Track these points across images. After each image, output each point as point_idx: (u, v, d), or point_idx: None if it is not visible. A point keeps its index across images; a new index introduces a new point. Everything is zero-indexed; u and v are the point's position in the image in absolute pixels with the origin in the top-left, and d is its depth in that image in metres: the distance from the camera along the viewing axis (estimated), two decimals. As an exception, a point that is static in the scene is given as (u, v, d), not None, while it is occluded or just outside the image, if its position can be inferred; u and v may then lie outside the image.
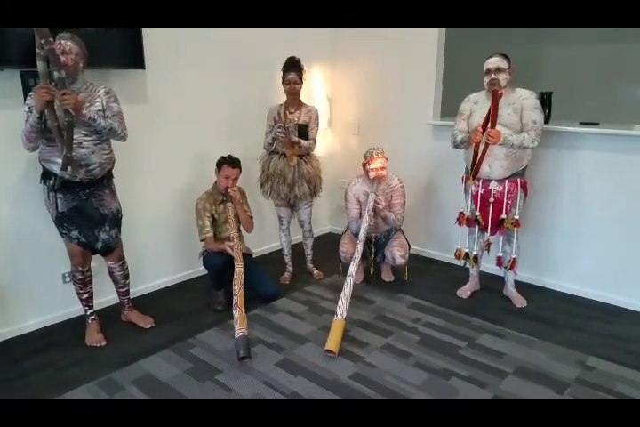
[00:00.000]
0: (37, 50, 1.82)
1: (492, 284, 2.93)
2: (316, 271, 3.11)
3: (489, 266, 2.93)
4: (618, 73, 4.04)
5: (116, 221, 2.30)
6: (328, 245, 3.48)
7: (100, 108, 2.08)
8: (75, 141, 1.98)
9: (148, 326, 2.47)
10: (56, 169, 2.05)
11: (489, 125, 2.37)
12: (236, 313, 2.20)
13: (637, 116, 2.66)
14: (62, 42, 1.95)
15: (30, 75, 2.20)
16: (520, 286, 2.86)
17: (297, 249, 3.19)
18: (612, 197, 2.65)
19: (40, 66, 1.86)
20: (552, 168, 2.82)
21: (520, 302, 2.73)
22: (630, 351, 2.28)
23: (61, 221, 2.16)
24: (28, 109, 1.98)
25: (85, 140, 2.05)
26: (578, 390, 1.98)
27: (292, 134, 2.69)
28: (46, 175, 2.11)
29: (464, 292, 2.84)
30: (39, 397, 1.91)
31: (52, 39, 1.79)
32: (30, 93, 2.01)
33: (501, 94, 2.37)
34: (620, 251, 2.67)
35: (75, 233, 2.18)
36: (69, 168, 1.99)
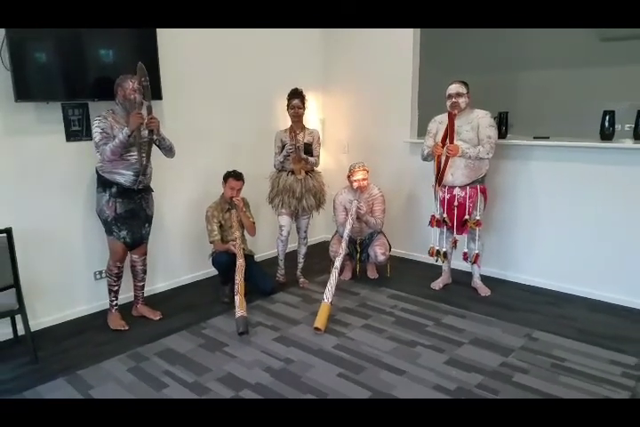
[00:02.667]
0: (137, 85, 2.60)
1: (462, 278, 3.47)
2: (302, 280, 3.50)
3: (460, 263, 3.46)
4: (577, 94, 4.73)
5: (151, 219, 2.93)
6: (322, 250, 4.04)
7: None
8: (135, 157, 2.65)
9: (157, 318, 3.00)
10: (119, 179, 2.67)
11: (447, 141, 2.96)
12: (237, 298, 2.79)
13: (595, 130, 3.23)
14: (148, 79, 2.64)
15: (69, 106, 2.85)
16: (486, 279, 3.40)
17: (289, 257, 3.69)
18: (561, 199, 3.21)
19: (138, 97, 2.61)
20: (511, 176, 3.39)
21: (484, 291, 3.26)
22: (573, 327, 2.79)
23: (117, 222, 2.74)
24: (101, 131, 2.58)
25: (142, 156, 2.71)
26: (521, 354, 2.50)
27: (300, 152, 3.25)
28: (107, 184, 2.70)
29: (437, 284, 3.38)
30: (83, 366, 2.46)
31: (147, 77, 2.55)
32: (98, 119, 2.61)
33: (455, 115, 2.96)
34: (570, 246, 3.22)
35: (123, 233, 2.77)
36: (140, 176, 2.68)
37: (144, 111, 2.66)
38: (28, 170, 2.76)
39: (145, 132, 2.67)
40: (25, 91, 2.61)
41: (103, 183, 2.73)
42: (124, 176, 2.68)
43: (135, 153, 2.67)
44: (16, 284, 2.56)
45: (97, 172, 2.74)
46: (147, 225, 2.90)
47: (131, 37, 2.98)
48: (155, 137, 2.73)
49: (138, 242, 2.88)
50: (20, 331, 2.69)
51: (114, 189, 2.71)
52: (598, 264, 3.12)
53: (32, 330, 2.58)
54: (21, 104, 2.65)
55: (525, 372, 2.34)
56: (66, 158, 2.87)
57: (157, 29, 3.05)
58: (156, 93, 3.12)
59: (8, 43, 2.50)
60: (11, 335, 2.75)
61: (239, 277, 2.91)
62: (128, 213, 2.76)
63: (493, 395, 2.17)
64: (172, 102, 3.28)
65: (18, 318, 2.65)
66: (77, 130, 2.88)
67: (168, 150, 2.86)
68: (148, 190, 2.86)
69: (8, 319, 2.70)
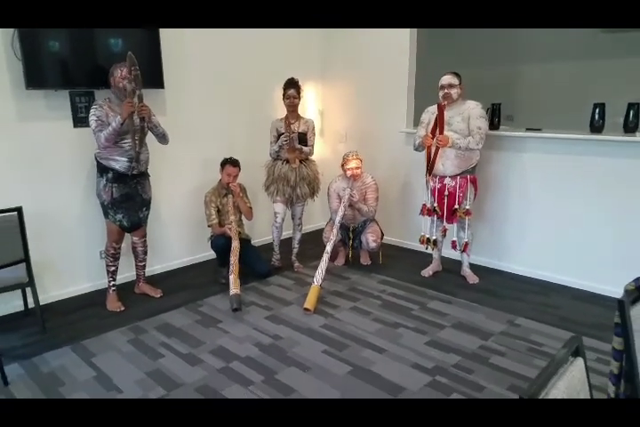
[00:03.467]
0: (126, 73, 2.71)
1: (452, 266, 3.60)
2: (296, 264, 3.68)
3: (451, 252, 3.59)
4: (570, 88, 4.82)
5: (149, 203, 3.10)
6: (318, 237, 4.17)
7: None
8: (129, 144, 2.80)
9: (158, 296, 3.20)
10: (115, 165, 2.83)
11: (437, 131, 3.08)
12: (231, 277, 2.99)
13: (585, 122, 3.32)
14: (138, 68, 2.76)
15: (76, 94, 3.04)
16: (477, 268, 3.53)
17: (285, 243, 3.87)
18: (551, 191, 3.32)
19: (128, 86, 2.73)
20: (503, 167, 3.50)
21: (472, 279, 3.39)
22: (555, 315, 2.92)
23: (113, 206, 2.92)
24: (96, 118, 2.73)
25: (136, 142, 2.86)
26: (500, 338, 2.64)
27: (294, 142, 3.40)
28: (104, 170, 2.86)
29: (426, 271, 3.52)
30: (87, 337, 2.67)
31: (137, 66, 2.66)
32: (94, 107, 2.76)
33: (444, 106, 3.07)
34: (558, 237, 3.33)
35: (119, 216, 2.95)
36: (133, 162, 2.83)
37: (135, 99, 2.78)
38: (37, 154, 2.96)
39: (137, 120, 2.82)
40: (35, 79, 2.79)
41: (101, 169, 2.89)
42: (119, 162, 2.84)
43: (129, 140, 2.82)
44: (26, 259, 2.77)
45: (95, 158, 2.91)
46: (144, 209, 3.06)
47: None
48: (147, 124, 2.87)
49: (136, 225, 3.05)
50: (31, 304, 2.92)
51: (110, 175, 2.86)
52: (585, 255, 3.23)
53: (41, 303, 2.79)
54: (32, 92, 2.84)
55: (502, 355, 2.48)
56: (72, 143, 3.07)
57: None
58: (157, 82, 3.29)
59: (19, 33, 2.68)
60: (22, 308, 2.98)
61: (234, 259, 3.09)
62: (123, 198, 2.92)
63: (468, 374, 2.31)
64: (173, 91, 3.46)
65: (28, 292, 2.88)
66: (84, 116, 3.06)
67: (161, 137, 3.01)
68: (144, 176, 3.02)
69: (20, 293, 2.93)
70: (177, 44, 3.42)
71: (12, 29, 2.70)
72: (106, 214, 2.97)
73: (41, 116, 2.94)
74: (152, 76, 3.24)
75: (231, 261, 3.09)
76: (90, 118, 2.78)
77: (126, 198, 2.94)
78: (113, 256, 3.06)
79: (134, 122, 2.80)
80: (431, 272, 3.52)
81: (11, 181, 2.88)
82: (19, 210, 2.73)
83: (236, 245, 3.18)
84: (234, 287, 2.94)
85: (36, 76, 2.80)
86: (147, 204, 3.08)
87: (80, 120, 3.08)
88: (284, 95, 3.45)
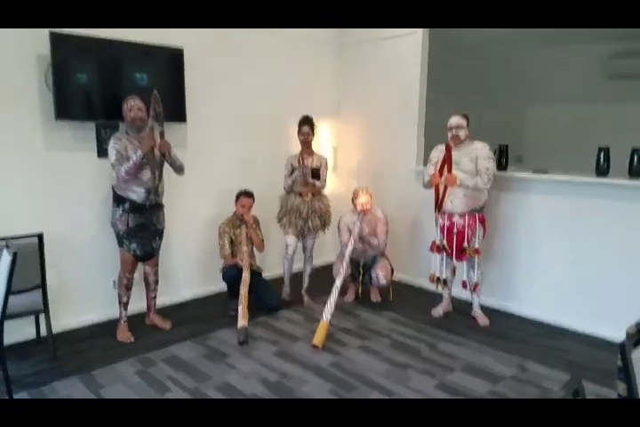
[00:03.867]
0: (151, 111, 2.84)
1: (462, 307, 3.60)
2: (306, 298, 3.70)
3: (462, 292, 3.59)
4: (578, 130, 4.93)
5: (162, 233, 3.18)
6: (329, 271, 4.18)
7: None
8: (147, 175, 2.91)
9: (168, 327, 3.24)
10: (132, 196, 2.93)
11: (445, 170, 3.14)
12: (240, 309, 3.03)
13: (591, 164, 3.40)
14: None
15: (102, 125, 3.17)
16: (487, 309, 3.52)
17: (295, 276, 3.90)
18: (559, 232, 3.34)
19: (150, 121, 2.86)
20: (511, 208, 3.54)
21: (483, 321, 3.38)
22: (564, 359, 2.89)
23: (128, 235, 3.00)
24: (116, 152, 2.83)
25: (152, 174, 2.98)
26: (510, 383, 2.62)
27: (308, 176, 3.49)
28: (121, 200, 2.95)
29: (437, 311, 3.52)
30: (96, 367, 2.70)
31: (160, 104, 2.80)
32: (113, 140, 2.87)
33: (451, 147, 3.15)
34: (567, 279, 3.32)
35: (133, 245, 3.03)
36: (151, 193, 2.94)
37: (157, 135, 2.90)
38: (60, 182, 3.08)
39: (157, 154, 2.93)
40: (64, 111, 2.94)
41: (117, 199, 2.98)
42: (137, 193, 2.93)
43: (148, 172, 2.92)
44: (43, 285, 2.84)
45: (112, 188, 3.00)
46: (157, 239, 3.14)
47: (164, 63, 3.32)
48: (166, 159, 2.99)
49: (149, 254, 3.12)
50: (43, 332, 2.96)
51: (127, 205, 2.95)
52: (593, 299, 3.21)
53: (53, 331, 2.84)
54: (60, 122, 2.98)
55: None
56: (94, 173, 3.19)
57: (185, 57, 3.37)
58: (180, 116, 3.44)
59: (53, 66, 2.83)
60: (34, 335, 3.02)
61: (244, 290, 3.14)
62: (139, 227, 3.00)
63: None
64: (194, 124, 3.59)
65: (41, 319, 2.93)
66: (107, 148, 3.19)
67: (179, 170, 3.12)
68: (159, 206, 3.10)
69: (33, 321, 2.98)
70: (200, 80, 3.58)
71: (46, 62, 2.85)
72: (120, 244, 3.04)
73: (67, 147, 3.08)
74: (175, 110, 3.39)
75: (241, 293, 3.14)
76: (109, 152, 2.88)
77: (141, 228, 3.02)
78: (126, 286, 3.11)
79: (154, 156, 2.91)
80: (442, 312, 3.52)
81: (33, 207, 3.00)
82: (39, 236, 2.83)
83: (246, 275, 3.23)
84: (242, 320, 2.97)
85: (65, 107, 2.95)
86: (160, 234, 3.16)
87: (104, 151, 3.18)
88: (298, 132, 3.57)
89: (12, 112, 2.86)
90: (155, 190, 2.97)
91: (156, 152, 2.93)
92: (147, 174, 2.93)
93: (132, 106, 2.89)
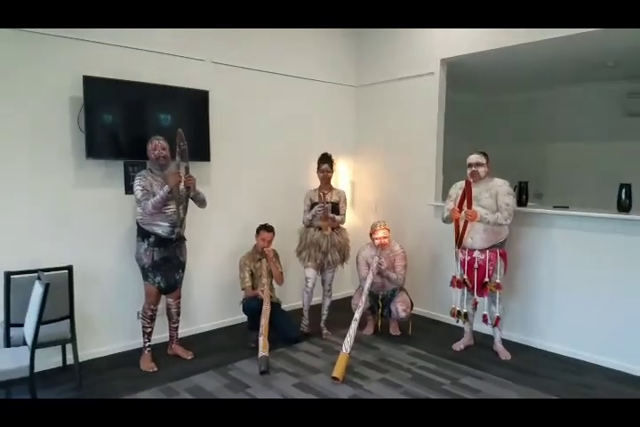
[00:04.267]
0: (177, 148, 3.00)
1: (484, 341, 3.57)
2: (325, 331, 3.75)
3: (483, 326, 3.57)
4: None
5: (185, 266, 3.28)
6: (347, 304, 4.22)
7: None
8: (171, 210, 3.05)
9: (189, 358, 3.29)
10: (157, 230, 3.05)
11: (465, 206, 3.22)
12: (260, 339, 3.09)
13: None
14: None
15: (129, 164, 3.35)
16: (509, 344, 3.49)
17: (314, 309, 3.94)
18: (581, 267, 3.35)
19: (177, 158, 3.02)
20: (532, 243, 3.58)
21: (505, 355, 3.35)
22: (589, 395, 2.84)
23: (153, 268, 3.10)
24: (141, 188, 2.98)
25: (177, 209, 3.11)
26: (533, 418, 2.57)
27: (328, 211, 3.60)
28: (146, 234, 3.06)
29: (458, 345, 3.50)
30: (120, 395, 2.75)
31: (185, 142, 2.97)
32: (139, 178, 3.03)
33: (471, 183, 3.24)
34: (591, 314, 3.31)
35: (158, 278, 3.12)
36: (177, 227, 3.07)
37: (182, 170, 3.04)
38: (89, 217, 3.25)
39: (183, 189, 3.06)
40: (94, 150, 3.12)
41: (142, 233, 3.08)
42: (162, 227, 3.05)
43: (172, 206, 3.05)
44: (71, 316, 2.95)
45: (137, 223, 3.11)
46: (180, 271, 3.24)
47: (190, 104, 3.53)
48: (191, 193, 3.13)
49: (172, 287, 3.21)
50: (69, 360, 3.05)
51: (152, 239, 3.06)
52: (618, 334, 3.18)
53: (80, 360, 2.92)
54: (90, 161, 3.18)
55: (536, 436, 2.42)
56: (121, 209, 3.36)
57: (210, 98, 3.59)
58: (205, 156, 3.63)
59: (85, 108, 3.05)
60: (60, 364, 3.11)
61: (264, 321, 3.20)
62: (163, 261, 3.11)
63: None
64: (217, 163, 3.78)
65: (68, 348, 3.02)
66: (134, 184, 3.36)
67: (202, 202, 3.26)
68: (181, 240, 3.23)
69: (59, 350, 3.07)
70: (223, 120, 3.80)
71: (78, 104, 3.06)
72: (145, 277, 3.13)
73: (96, 183, 3.25)
74: (200, 150, 3.58)
75: (261, 323, 3.20)
76: (135, 188, 3.01)
77: (166, 261, 3.13)
78: (150, 318, 3.19)
79: (180, 191, 3.05)
80: (463, 346, 3.50)
81: (62, 241, 3.14)
82: (69, 268, 2.96)
83: (267, 307, 3.30)
84: (263, 350, 3.01)
85: (95, 147, 3.13)
86: (182, 266, 3.26)
87: (131, 188, 3.31)
88: (318, 169, 3.70)
89: (46, 150, 3.05)
90: (180, 224, 3.11)
91: (181, 187, 3.06)
92: (171, 209, 3.06)
93: (157, 145, 3.05)
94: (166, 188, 2.95)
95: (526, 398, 2.78)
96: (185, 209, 3.13)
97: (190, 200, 3.21)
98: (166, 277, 3.15)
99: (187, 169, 3.07)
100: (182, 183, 3.05)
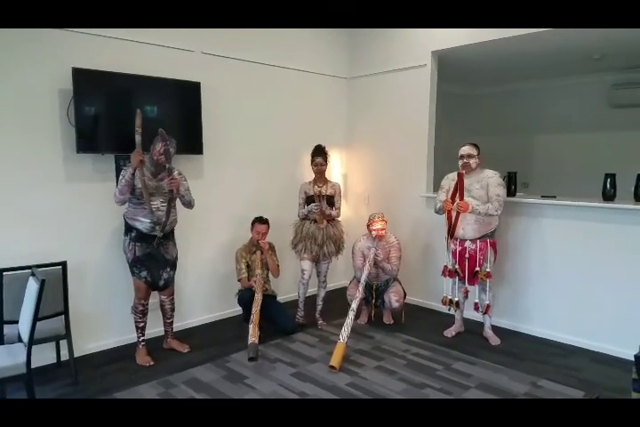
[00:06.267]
0: (162, 147, 2.95)
1: (474, 327, 3.70)
2: (320, 321, 3.83)
3: (473, 313, 3.69)
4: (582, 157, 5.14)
5: (174, 264, 3.27)
6: (341, 295, 4.33)
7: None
8: (155, 206, 3.02)
9: (186, 351, 3.33)
10: (138, 225, 3.03)
11: (457, 197, 3.31)
12: (250, 326, 3.16)
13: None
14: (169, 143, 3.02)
15: (121, 157, 3.34)
16: (498, 330, 3.62)
17: (309, 300, 4.02)
18: (569, 255, 3.48)
19: (162, 159, 2.96)
20: (522, 232, 3.69)
21: (494, 340, 3.48)
22: (576, 377, 2.99)
23: (136, 264, 3.10)
24: (121, 177, 2.94)
25: (162, 205, 3.09)
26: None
27: (327, 210, 3.63)
28: (129, 229, 3.06)
29: (449, 332, 3.62)
30: (118, 389, 2.78)
31: (168, 142, 2.94)
32: (124, 167, 3.02)
33: (463, 175, 3.32)
34: (577, 300, 3.44)
35: (144, 273, 3.12)
36: (157, 225, 3.04)
37: (164, 172, 3.03)
38: (81, 212, 3.23)
39: (165, 188, 3.03)
40: (85, 144, 3.10)
41: (126, 228, 3.10)
42: (143, 223, 3.03)
43: (154, 203, 3.01)
44: (65, 311, 2.95)
45: (123, 217, 3.12)
46: (168, 269, 3.20)
47: (182, 97, 3.50)
48: (175, 194, 3.08)
49: (163, 285, 3.20)
50: (63, 356, 3.06)
51: (133, 234, 3.06)
52: (604, 319, 3.33)
53: (75, 355, 2.94)
54: (81, 155, 3.15)
55: (528, 417, 2.53)
56: (114, 203, 3.30)
57: (201, 90, 3.57)
58: (197, 149, 3.62)
59: (75, 100, 3.01)
60: (54, 360, 3.11)
61: (255, 309, 3.27)
62: (146, 257, 3.09)
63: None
64: (210, 156, 3.79)
65: (62, 344, 3.03)
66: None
67: (187, 204, 3.22)
68: (167, 237, 3.17)
69: (53, 346, 3.07)
70: (215, 113, 3.80)
71: (68, 97, 3.03)
72: (132, 272, 3.13)
73: (87, 178, 3.23)
74: (192, 143, 3.58)
75: (252, 311, 3.26)
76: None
77: (149, 257, 3.10)
78: (142, 312, 3.20)
79: (149, 184, 2.98)
80: (454, 333, 3.62)
81: (54, 237, 3.13)
82: (63, 264, 2.96)
83: (259, 297, 3.37)
84: (252, 337, 3.08)
85: (86, 141, 3.10)
86: (170, 264, 3.21)
87: (122, 181, 3.37)
88: (312, 162, 3.72)
89: (35, 145, 3.01)
90: (162, 222, 3.04)
91: (164, 186, 3.02)
92: (153, 204, 3.01)
93: (162, 151, 2.96)
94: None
95: (515, 380, 2.91)
96: (168, 212, 3.06)
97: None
98: (151, 274, 3.13)
99: (170, 170, 3.04)
100: (166, 186, 3.02)
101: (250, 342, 3.09)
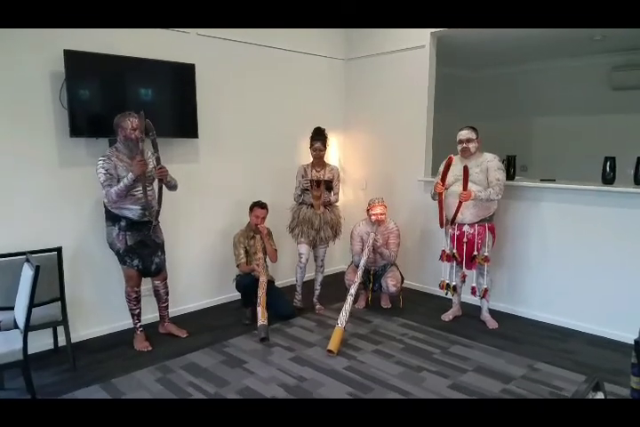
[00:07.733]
0: (145, 137, 2.87)
1: (472, 311, 3.72)
2: (318, 306, 3.84)
3: (471, 297, 3.70)
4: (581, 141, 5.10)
5: (163, 247, 3.23)
6: (339, 280, 4.34)
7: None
8: (141, 192, 2.94)
9: (184, 336, 3.33)
10: (128, 213, 2.96)
11: (460, 188, 3.25)
12: (259, 309, 3.21)
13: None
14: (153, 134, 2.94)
15: (115, 141, 3.25)
16: (495, 313, 3.64)
17: (307, 284, 4.05)
18: (567, 239, 3.48)
19: (141, 145, 2.89)
20: (520, 216, 3.69)
21: (492, 324, 3.50)
22: (572, 360, 3.02)
23: (127, 253, 3.04)
24: (105, 172, 2.82)
25: (148, 190, 3.01)
26: (521, 382, 2.73)
27: (320, 187, 3.61)
28: (116, 218, 2.97)
29: (447, 316, 3.64)
30: (116, 375, 2.79)
31: (154, 131, 2.86)
32: (102, 160, 2.85)
33: (468, 168, 3.24)
34: (575, 283, 3.46)
35: (136, 262, 3.07)
36: (147, 213, 3.00)
37: (154, 162, 2.95)
38: (75, 197, 3.20)
39: (151, 175, 2.96)
40: (78, 128, 3.05)
41: (112, 217, 3.00)
42: (132, 211, 2.96)
43: (141, 188, 2.92)
44: (62, 297, 2.96)
45: (105, 207, 3.00)
46: (159, 253, 3.17)
47: (177, 79, 3.45)
48: (164, 183, 3.01)
49: (156, 270, 3.17)
50: (60, 342, 3.07)
51: (123, 223, 2.98)
52: (600, 302, 3.35)
53: (72, 341, 2.94)
54: (74, 139, 3.11)
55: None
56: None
57: (196, 72, 3.52)
58: (192, 132, 3.57)
59: (67, 84, 2.95)
60: (51, 346, 3.12)
61: (262, 291, 3.32)
62: (138, 245, 3.05)
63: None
64: (205, 140, 3.74)
65: (59, 330, 3.04)
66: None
67: (172, 188, 3.13)
68: (155, 222, 3.10)
69: (50, 332, 3.08)
70: (210, 95, 3.74)
71: (60, 80, 2.97)
72: (122, 262, 3.06)
73: (82, 162, 3.19)
74: (188, 126, 3.53)
75: (259, 294, 3.31)
76: (98, 171, 2.85)
77: (140, 245, 3.06)
78: (135, 300, 3.18)
79: (147, 176, 2.92)
80: (451, 317, 3.64)
81: (49, 222, 3.11)
82: (58, 250, 2.95)
83: (263, 279, 3.41)
84: (262, 318, 3.14)
85: (79, 125, 3.05)
86: (161, 248, 3.19)
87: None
88: (311, 146, 3.68)
89: (28, 129, 2.97)
90: (150, 207, 2.99)
91: (149, 173, 2.94)
92: (140, 190, 2.94)
93: (132, 123, 2.86)
94: (130, 175, 2.81)
95: (512, 363, 2.93)
96: (160, 198, 3.02)
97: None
98: (143, 260, 3.09)
99: (158, 160, 2.95)
100: (154, 175, 2.95)
101: (260, 323, 3.15)
